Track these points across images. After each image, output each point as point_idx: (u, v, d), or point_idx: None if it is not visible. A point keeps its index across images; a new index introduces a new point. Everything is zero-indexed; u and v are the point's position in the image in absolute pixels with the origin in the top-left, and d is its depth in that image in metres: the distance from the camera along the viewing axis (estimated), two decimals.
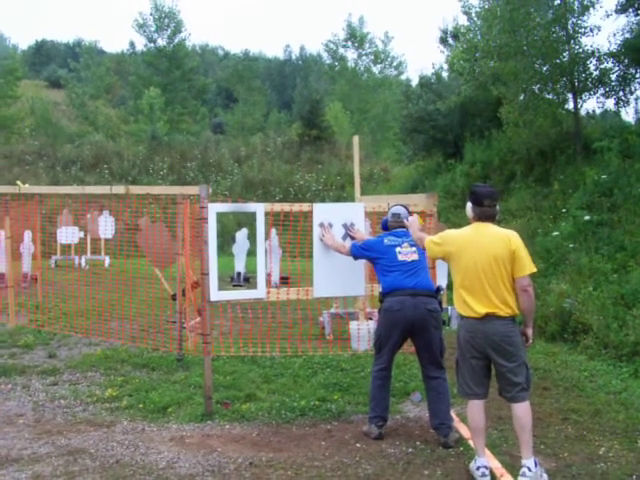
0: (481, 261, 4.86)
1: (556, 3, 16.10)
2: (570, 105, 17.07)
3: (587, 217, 12.28)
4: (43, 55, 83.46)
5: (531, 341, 5.08)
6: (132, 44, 63.63)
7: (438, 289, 5.99)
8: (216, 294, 6.30)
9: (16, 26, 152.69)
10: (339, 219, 6.49)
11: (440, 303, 5.92)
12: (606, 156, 14.16)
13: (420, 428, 6.09)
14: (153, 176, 32.88)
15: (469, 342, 4.93)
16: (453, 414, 6.12)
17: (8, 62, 46.30)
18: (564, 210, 13.67)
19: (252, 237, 16.87)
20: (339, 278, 6.49)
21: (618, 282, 10.09)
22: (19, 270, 16.27)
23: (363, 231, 6.65)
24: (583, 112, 17.62)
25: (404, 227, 6.02)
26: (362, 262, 6.53)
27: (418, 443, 5.69)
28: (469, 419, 5.13)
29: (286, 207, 6.46)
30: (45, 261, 19.78)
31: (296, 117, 50.63)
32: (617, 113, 18.91)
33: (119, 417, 6.40)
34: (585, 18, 16.13)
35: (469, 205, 5.08)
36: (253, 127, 52.62)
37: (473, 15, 22.64)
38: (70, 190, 10.15)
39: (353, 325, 9.40)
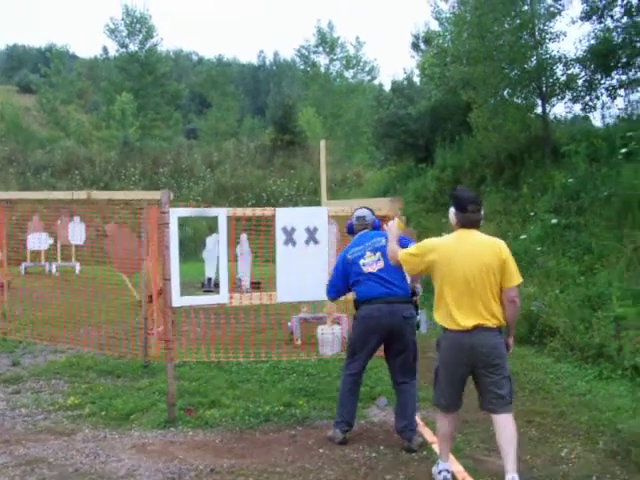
0: (471, 270, 4.63)
1: (524, 9, 16.24)
2: (539, 110, 17.23)
3: (555, 220, 12.39)
4: (15, 60, 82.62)
5: (511, 350, 4.96)
6: (105, 49, 62.96)
7: (414, 292, 5.91)
8: (178, 300, 6.24)
9: None
10: (302, 223, 6.46)
11: (416, 306, 5.86)
12: (574, 160, 14.29)
13: (385, 433, 6.07)
14: (125, 182, 32.63)
15: (454, 354, 4.72)
16: (418, 418, 6.11)
17: None
18: (532, 213, 13.77)
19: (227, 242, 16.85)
20: (302, 283, 6.46)
21: (585, 284, 10.17)
22: None
23: (326, 237, 6.61)
24: (552, 116, 17.74)
25: (368, 228, 5.96)
26: (325, 266, 6.51)
27: (382, 448, 5.67)
28: (439, 426, 5.01)
29: (249, 211, 6.42)
30: (15, 268, 19.57)
31: (269, 122, 50.61)
32: (586, 118, 19.11)
33: (81, 425, 6.30)
34: (551, 24, 16.32)
35: (452, 211, 4.84)
36: (227, 132, 52.45)
37: (443, 20, 22.83)
38: (32, 195, 10.02)
39: (321, 330, 9.38)
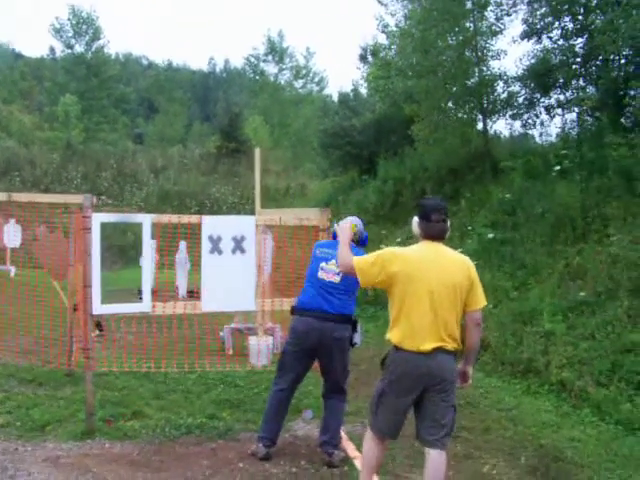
0: (438, 288, 4.17)
1: (466, 26, 16.46)
2: (480, 125, 17.47)
3: (491, 235, 12.49)
4: None
5: (471, 381, 4.63)
6: (52, 49, 61.78)
7: (355, 322, 5.57)
8: (99, 307, 6.05)
9: None
10: (229, 232, 6.33)
11: (355, 325, 5.53)
12: (511, 176, 14.48)
13: (307, 447, 5.95)
14: (66, 185, 32.01)
15: (408, 380, 4.24)
16: (342, 432, 6.02)
17: None
18: (470, 228, 13.87)
19: (164, 250, 16.59)
20: (228, 292, 6.32)
21: (518, 299, 10.27)
22: None
23: (253, 246, 6.46)
24: (493, 132, 18.04)
25: (354, 238, 5.41)
26: (252, 276, 6.40)
27: (303, 463, 5.55)
28: (367, 453, 4.53)
29: (174, 219, 6.28)
30: None
31: (216, 130, 50.44)
32: (526, 135, 19.42)
33: None
34: (493, 42, 16.61)
35: (415, 220, 4.43)
36: (173, 138, 52.07)
37: (390, 34, 23.03)
38: None
39: (252, 340, 9.26)
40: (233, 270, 6.24)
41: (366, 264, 4.33)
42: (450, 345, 4.23)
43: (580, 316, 8.96)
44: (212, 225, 6.33)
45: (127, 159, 36.38)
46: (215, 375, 8.28)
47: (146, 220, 6.14)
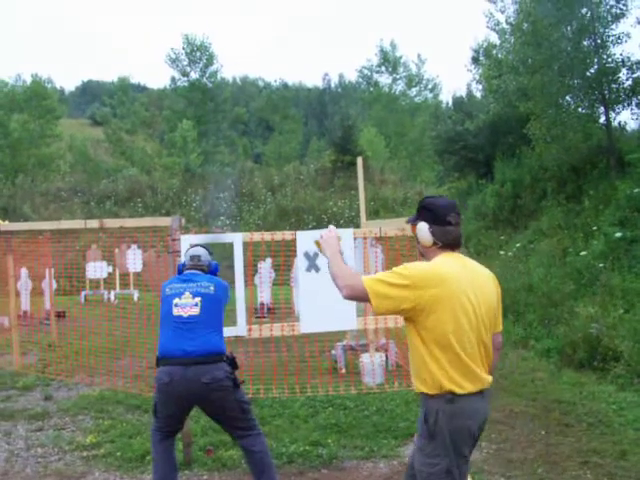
0: (479, 309, 3.21)
1: (583, 12, 15.43)
2: (602, 118, 16.34)
3: (619, 234, 11.57)
4: (88, 94, 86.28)
5: None
6: (173, 79, 63.84)
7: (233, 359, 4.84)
8: None
9: (64, 69, 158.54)
10: None
11: (232, 363, 4.79)
12: (639, 169, 13.42)
13: None
14: (186, 208, 32.83)
15: (468, 435, 3.17)
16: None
17: (47, 102, 46.88)
18: (595, 227, 12.95)
19: (277, 267, 16.51)
20: (328, 312, 5.89)
21: None
22: (41, 307, 16.16)
23: (352, 260, 6.05)
24: (617, 125, 16.84)
25: (202, 270, 5.07)
26: None
27: None
28: None
29: (267, 236, 5.95)
30: (75, 296, 19.73)
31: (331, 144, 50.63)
32: None
33: (93, 467, 5.87)
34: (614, 27, 15.46)
35: (424, 227, 3.29)
36: (291, 156, 52.67)
37: (500, 32, 22.21)
38: (45, 226, 9.82)
39: (365, 358, 8.83)
40: (332, 288, 5.83)
41: (385, 286, 3.11)
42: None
43: None
44: (307, 241, 5.96)
45: (244, 179, 36.91)
46: (323, 397, 7.88)
47: (237, 239, 5.84)
